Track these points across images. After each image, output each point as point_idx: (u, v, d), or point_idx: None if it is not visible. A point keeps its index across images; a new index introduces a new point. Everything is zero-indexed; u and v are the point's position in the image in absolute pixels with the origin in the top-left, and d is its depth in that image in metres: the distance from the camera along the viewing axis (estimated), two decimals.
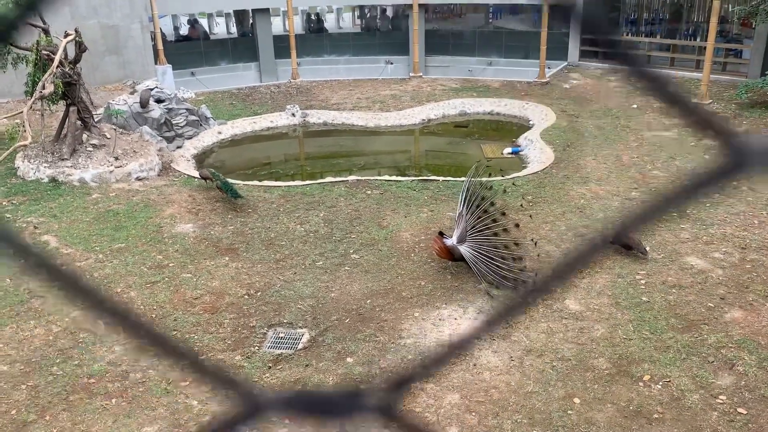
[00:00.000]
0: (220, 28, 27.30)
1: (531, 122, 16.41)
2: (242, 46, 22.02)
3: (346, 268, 9.33)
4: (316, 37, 23.19)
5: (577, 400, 6.65)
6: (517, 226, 8.94)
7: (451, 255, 8.83)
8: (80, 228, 10.50)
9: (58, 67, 11.58)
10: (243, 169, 14.41)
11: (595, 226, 10.29)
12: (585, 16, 0.65)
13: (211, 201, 11.48)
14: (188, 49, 21.28)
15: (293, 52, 20.17)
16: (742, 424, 6.28)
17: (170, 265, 9.42)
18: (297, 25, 22.78)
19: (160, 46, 18.76)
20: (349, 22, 27.96)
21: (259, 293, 8.74)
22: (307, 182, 12.56)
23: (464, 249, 8.72)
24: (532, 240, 9.17)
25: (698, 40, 20.09)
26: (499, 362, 7.24)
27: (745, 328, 7.67)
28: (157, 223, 10.70)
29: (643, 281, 8.77)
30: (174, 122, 14.71)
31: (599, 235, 0.75)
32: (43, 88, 11.46)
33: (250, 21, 22.42)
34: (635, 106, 16.42)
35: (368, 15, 25.44)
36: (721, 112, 15.65)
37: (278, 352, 7.55)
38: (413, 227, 10.46)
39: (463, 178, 10.63)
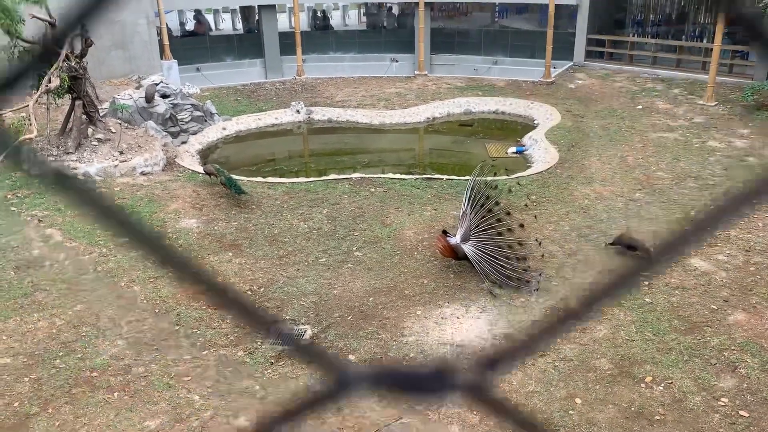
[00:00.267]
0: (226, 24, 27.31)
1: (536, 122, 16.39)
2: (248, 42, 22.03)
3: (349, 265, 9.34)
4: (321, 34, 23.19)
5: (578, 401, 6.65)
6: (521, 226, 8.94)
7: (455, 254, 8.83)
8: (84, 222, 10.51)
9: (64, 61, 11.60)
10: (247, 166, 14.42)
11: (599, 227, 10.28)
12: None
13: (215, 197, 11.50)
14: (194, 44, 21.31)
15: (299, 49, 20.17)
16: (743, 426, 6.27)
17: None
18: (303, 22, 22.80)
19: (166, 41, 18.78)
20: (354, 20, 27.94)
21: (262, 289, 8.75)
22: (311, 179, 12.58)
23: (468, 248, 8.72)
24: (536, 240, 9.17)
25: (705, 41, 20.04)
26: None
27: (748, 331, 7.65)
28: (161, 218, 10.72)
29: (645, 282, 8.75)
30: (179, 117, 14.73)
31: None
32: (49, 81, 11.48)
33: (256, 17, 22.43)
34: (640, 107, 16.38)
35: (374, 12, 25.42)
36: (727, 114, 15.61)
37: (280, 348, 7.55)
38: (417, 225, 10.45)
39: (467, 177, 10.63)
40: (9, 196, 11.33)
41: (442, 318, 8.06)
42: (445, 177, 12.43)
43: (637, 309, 8.14)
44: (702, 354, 7.27)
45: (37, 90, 11.55)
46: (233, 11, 26.22)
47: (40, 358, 7.31)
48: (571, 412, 6.51)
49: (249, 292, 8.66)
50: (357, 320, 8.06)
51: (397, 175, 12.61)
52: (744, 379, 6.90)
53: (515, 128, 16.62)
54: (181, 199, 11.43)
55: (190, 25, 23.93)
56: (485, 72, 20.71)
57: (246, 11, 24.12)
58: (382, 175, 12.64)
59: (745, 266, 9.10)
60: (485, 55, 21.48)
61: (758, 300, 8.29)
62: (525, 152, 14.53)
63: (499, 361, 0.78)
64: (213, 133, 15.48)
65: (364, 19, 27.03)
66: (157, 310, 8.21)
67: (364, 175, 12.55)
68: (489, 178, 9.45)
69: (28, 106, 11.41)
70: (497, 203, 8.97)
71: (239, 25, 25.67)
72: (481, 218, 8.76)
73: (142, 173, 12.35)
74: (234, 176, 11.74)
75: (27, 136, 11.55)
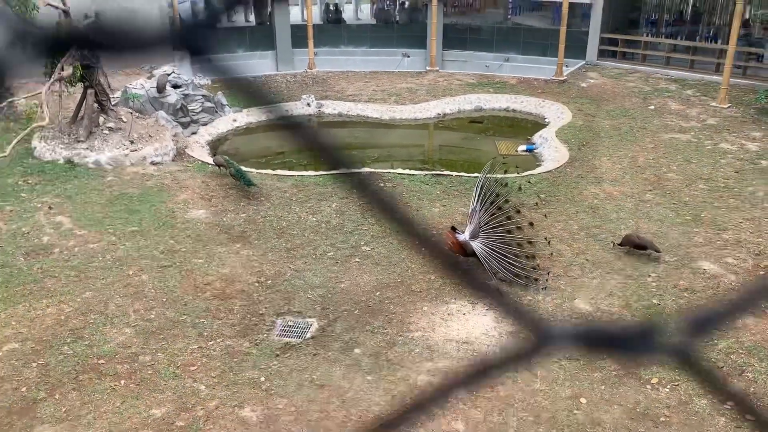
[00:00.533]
0: (239, 16, 27.29)
1: (547, 120, 16.32)
2: (260, 34, 22.02)
3: (357, 259, 9.35)
4: (333, 28, 23.15)
5: (583, 400, 6.64)
6: (531, 224, 8.91)
7: (463, 250, 8.82)
8: (94, 210, 10.57)
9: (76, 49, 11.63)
10: (256, 158, 14.43)
11: (608, 227, 10.24)
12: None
13: (224, 188, 11.52)
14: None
15: (310, 42, 20.15)
16: (749, 431, 6.24)
17: (182, 250, 9.47)
18: (315, 15, 22.75)
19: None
20: (367, 14, 27.86)
21: (269, 281, 8.77)
22: (320, 173, 12.57)
23: (477, 245, 8.71)
24: (545, 239, 9.14)
25: (719, 42, 19.88)
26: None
27: (756, 335, 7.61)
28: (171, 207, 10.75)
29: (654, 284, 8.72)
30: (190, 108, 14.76)
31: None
32: (62, 69, 11.53)
33: (269, 9, 22.41)
34: (652, 107, 16.28)
35: (386, 7, 25.34)
36: (740, 117, 15.50)
37: (286, 340, 7.58)
38: (425, 221, 10.44)
39: (476, 174, 10.61)
40: (20, 183, 11.39)
41: (448, 314, 8.06)
42: (454, 174, 12.41)
43: (644, 310, 8.11)
44: (709, 357, 7.24)
45: (50, 78, 11.60)
46: (246, 3, 26.17)
47: (48, 344, 7.36)
48: (576, 411, 6.50)
49: (257, 284, 8.68)
50: (363, 314, 8.07)
51: (407, 171, 12.60)
52: (751, 383, 6.86)
53: (526, 126, 16.56)
54: (191, 189, 11.47)
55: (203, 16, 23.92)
56: (497, 69, 20.62)
57: (259, 3, 24.10)
58: (391, 171, 12.63)
59: (755, 270, 9.04)
60: (497, 52, 21.37)
61: (767, 305, 8.24)
62: (535, 150, 14.48)
63: (706, 323, 0.75)
64: (223, 124, 15.51)
65: (375, 13, 26.94)
66: (164, 300, 8.24)
67: (373, 170, 12.53)
68: (499, 176, 9.42)
69: (40, 93, 11.47)
70: (507, 201, 8.95)
71: (251, 17, 25.66)
72: (491, 215, 8.74)
73: (152, 163, 12.39)
74: (243, 168, 11.76)
75: (39, 123, 11.62)
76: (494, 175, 9.28)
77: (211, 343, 7.47)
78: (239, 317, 7.97)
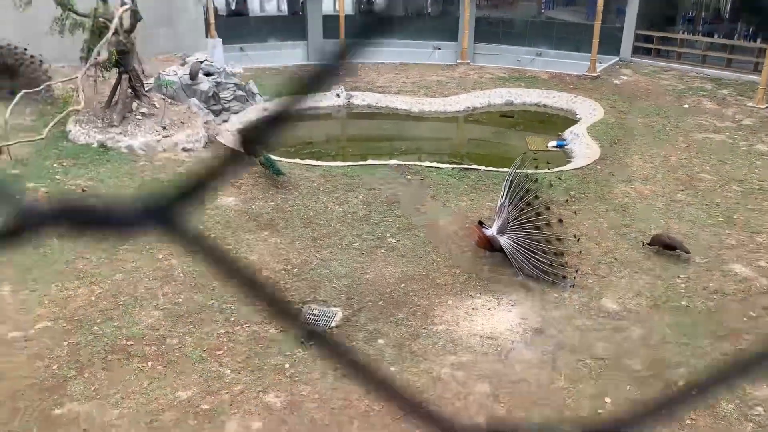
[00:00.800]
0: (271, 6, 27.41)
1: (578, 116, 16.14)
2: (292, 24, 22.10)
3: (383, 250, 9.37)
4: (365, 19, 23.12)
5: (608, 400, 6.58)
6: (560, 221, 8.82)
7: (490, 245, 8.79)
8: (126, 194, 10.74)
9: (113, 35, 11.80)
10: (286, 147, 14.52)
11: (638, 226, 10.11)
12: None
13: (253, 176, 11.61)
14: (239, 24, 21.45)
15: (342, 33, 20.16)
16: None
17: (211, 235, 9.58)
18: (347, 6, 22.75)
19: (212, 20, 18.95)
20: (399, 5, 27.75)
21: (295, 269, 8.84)
22: (349, 163, 12.61)
23: (504, 240, 8.67)
24: (574, 236, 9.05)
25: (758, 41, 19.42)
26: (531, 356, 7.20)
27: None
28: None
29: (683, 285, 8.60)
30: (221, 96, 14.89)
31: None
32: (98, 55, 11.71)
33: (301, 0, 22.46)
34: (686, 106, 16.00)
35: None
36: None
37: (311, 328, 7.63)
38: (452, 215, 10.42)
39: (505, 169, 10.54)
40: (55, 165, 11.62)
41: (473, 309, 8.05)
42: (482, 168, 12.34)
43: (673, 311, 8.00)
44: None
45: (87, 62, 11.80)
46: None
47: (79, 324, 7.52)
48: (599, 411, 6.45)
49: (283, 272, 8.76)
50: (388, 306, 8.10)
51: (435, 164, 12.56)
52: None
53: (556, 122, 16.40)
54: None
55: (236, 5, 24.07)
56: (528, 63, 20.43)
57: None
58: (419, 163, 12.61)
59: None
60: (529, 47, 21.16)
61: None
62: (566, 147, 14.34)
63: None
64: (254, 113, 15.62)
65: (406, 5, 26.83)
66: (192, 284, 8.36)
67: (401, 162, 12.53)
68: (529, 171, 9.35)
69: (76, 78, 11.67)
70: (537, 197, 8.87)
71: (284, 7, 25.76)
72: (520, 211, 8.68)
73: (184, 149, 12.54)
74: (273, 157, 11.84)
75: (74, 107, 11.83)
76: (524, 171, 9.22)
77: (238, 328, 7.56)
78: (266, 304, 8.03)
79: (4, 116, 10.84)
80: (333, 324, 7.72)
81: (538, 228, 8.67)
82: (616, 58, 19.77)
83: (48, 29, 12.60)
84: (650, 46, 19.89)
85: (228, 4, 24.64)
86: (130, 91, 12.86)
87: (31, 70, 14.51)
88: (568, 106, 16.98)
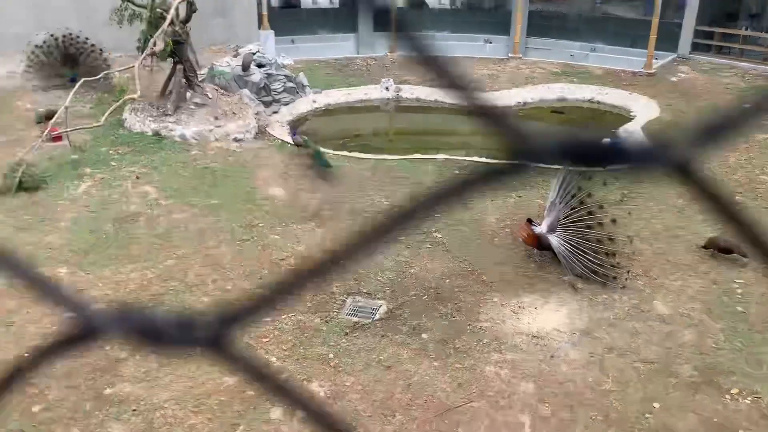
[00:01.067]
0: None
1: (632, 114, 15.74)
2: (342, 16, 22.16)
3: (428, 245, 9.33)
4: (416, 12, 23.02)
5: (656, 405, 6.42)
6: (614, 221, 8.56)
7: (539, 243, 8.65)
8: (179, 182, 10.98)
9: (169, 25, 12.05)
10: (334, 139, 14.59)
11: (693, 227, 9.80)
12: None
13: (301, 167, 11.72)
14: (290, 16, 21.62)
15: (393, 26, 20.11)
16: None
17: (260, 225, 9.72)
18: None
19: (265, 12, 19.16)
20: None
21: (341, 261, 8.87)
22: (396, 157, 12.59)
23: (554, 238, 8.51)
24: (627, 236, 8.80)
25: None
26: (578, 356, 7.07)
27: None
28: (250, 183, 11.04)
29: (739, 290, 8.31)
30: (272, 88, 15.06)
31: None
32: (154, 45, 11.97)
33: None
34: (747, 105, 15.40)
35: None
36: None
37: (355, 319, 7.67)
38: (499, 211, 10.31)
39: (556, 166, 10.34)
40: (111, 152, 11.95)
41: (519, 307, 7.95)
42: (532, 164, 12.14)
43: (727, 317, 7.74)
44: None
45: (143, 52, 12.08)
46: None
47: (132, 307, 7.71)
48: (647, 415, 6.29)
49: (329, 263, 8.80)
50: (432, 300, 8.07)
51: (483, 159, 12.43)
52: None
53: (610, 119, 16.04)
54: (270, 167, 11.72)
55: None
56: (582, 59, 20.00)
57: None
58: (468, 158, 12.50)
59: None
60: (583, 41, 20.70)
61: None
62: (619, 145, 13.99)
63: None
64: (303, 105, 15.75)
65: None
66: (241, 272, 8.49)
67: (449, 157, 12.45)
68: (582, 169, 9.15)
69: (133, 67, 11.96)
70: (590, 195, 8.65)
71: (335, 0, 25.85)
72: (572, 209, 8.50)
73: (235, 139, 12.74)
74: (321, 149, 11.92)
75: (130, 96, 12.13)
76: (577, 168, 9.02)
77: (284, 317, 7.64)
78: (311, 294, 8.12)
79: (65, 103, 11.20)
80: (377, 316, 7.74)
81: (589, 227, 8.47)
82: (674, 55, 19.18)
83: (107, 19, 12.95)
84: (710, 42, 19.23)
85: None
86: (184, 81, 13.12)
87: (92, 59, 14.97)
88: (622, 103, 16.57)
